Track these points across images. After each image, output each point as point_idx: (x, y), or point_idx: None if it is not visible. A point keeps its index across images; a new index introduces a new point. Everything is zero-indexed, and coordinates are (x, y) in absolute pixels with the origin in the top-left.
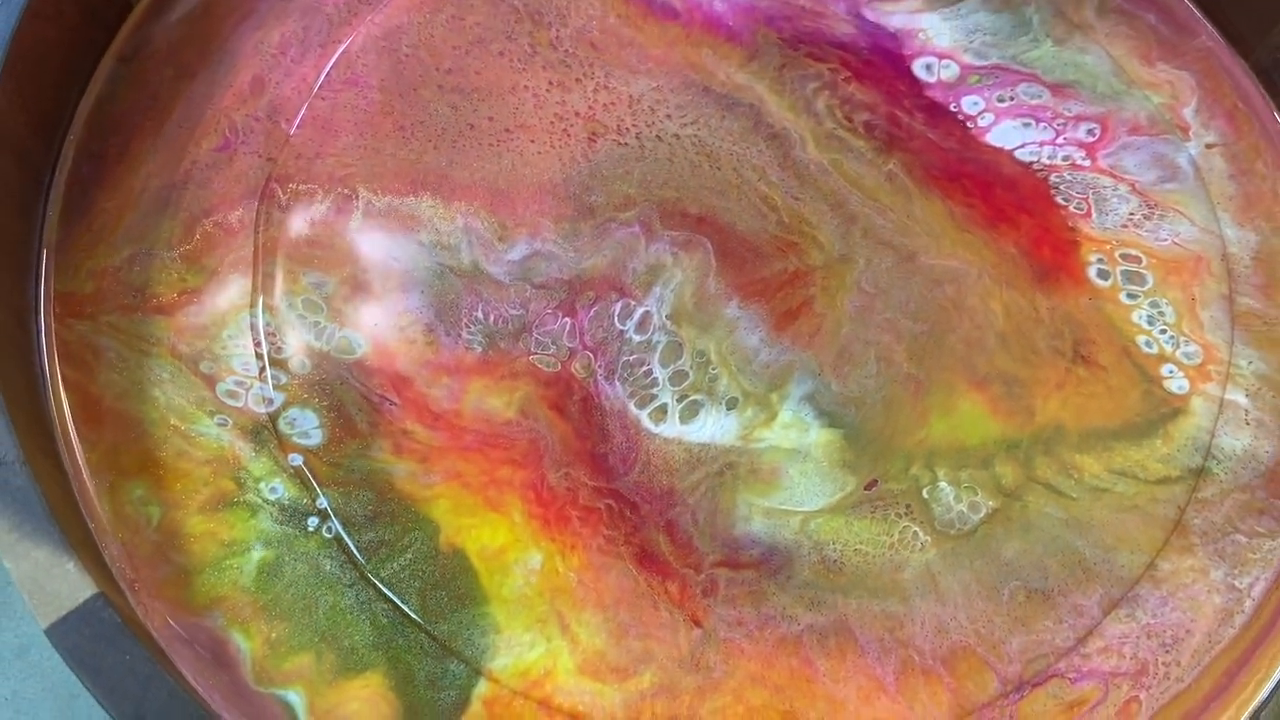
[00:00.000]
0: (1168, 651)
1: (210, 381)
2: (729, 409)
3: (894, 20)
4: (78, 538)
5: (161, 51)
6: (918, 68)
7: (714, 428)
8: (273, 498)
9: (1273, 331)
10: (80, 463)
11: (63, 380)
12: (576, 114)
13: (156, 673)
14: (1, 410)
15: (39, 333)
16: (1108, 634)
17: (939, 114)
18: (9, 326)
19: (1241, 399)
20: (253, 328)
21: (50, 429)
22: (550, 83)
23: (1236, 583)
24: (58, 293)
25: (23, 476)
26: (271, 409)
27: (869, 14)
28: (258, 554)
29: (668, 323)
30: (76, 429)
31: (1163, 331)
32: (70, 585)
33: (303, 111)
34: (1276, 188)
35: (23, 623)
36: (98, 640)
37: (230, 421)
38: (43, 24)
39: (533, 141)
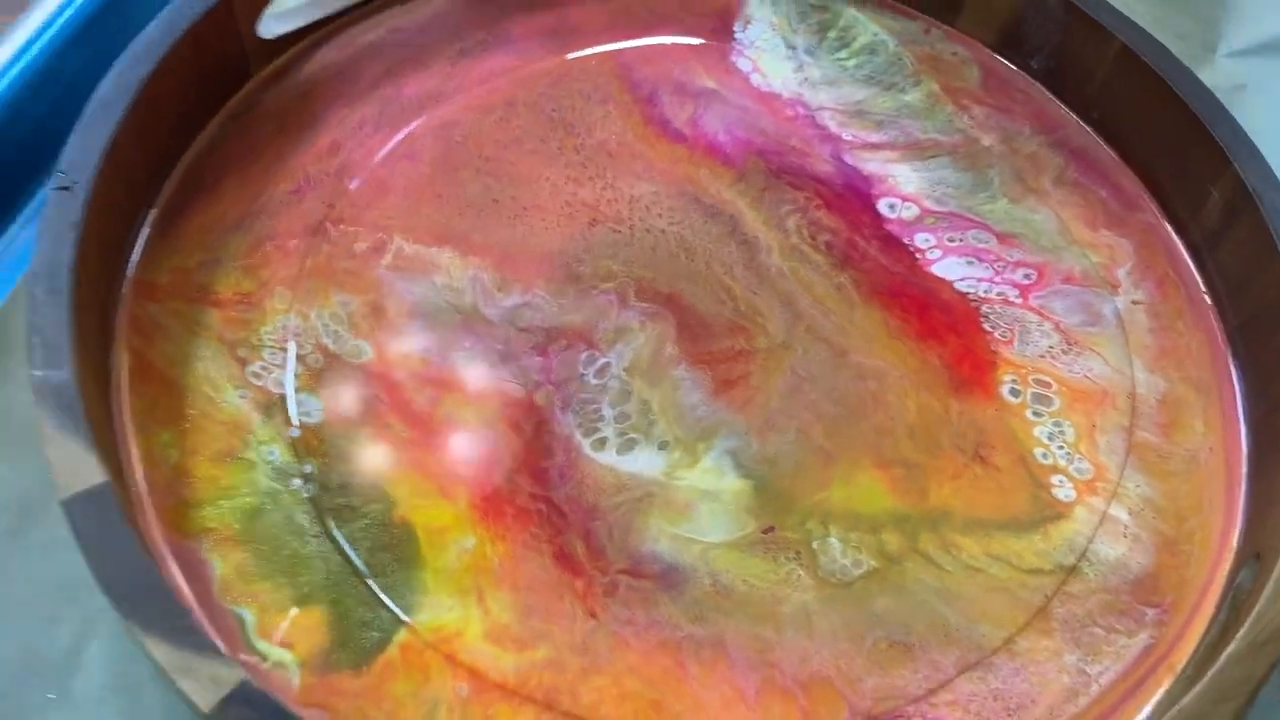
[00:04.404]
0: (1010, 715)
1: (242, 363)
2: (660, 449)
3: (869, 165)
4: (111, 464)
5: (267, 113)
6: (882, 205)
7: (644, 462)
8: (269, 459)
9: (1166, 464)
10: (125, 409)
11: (127, 345)
12: (583, 203)
13: (147, 562)
14: (69, 336)
15: (118, 307)
16: (958, 690)
17: (893, 244)
18: (98, 301)
19: (1124, 515)
20: (284, 328)
21: (108, 378)
22: (567, 177)
23: (1087, 669)
24: (140, 280)
25: (72, 388)
26: (285, 390)
27: (848, 158)
28: (247, 500)
29: (623, 374)
30: (130, 383)
31: (1060, 447)
32: (88, 469)
33: (364, 173)
34: (1191, 345)
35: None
36: (100, 517)
37: (250, 395)
38: (169, 79)
39: (542, 220)
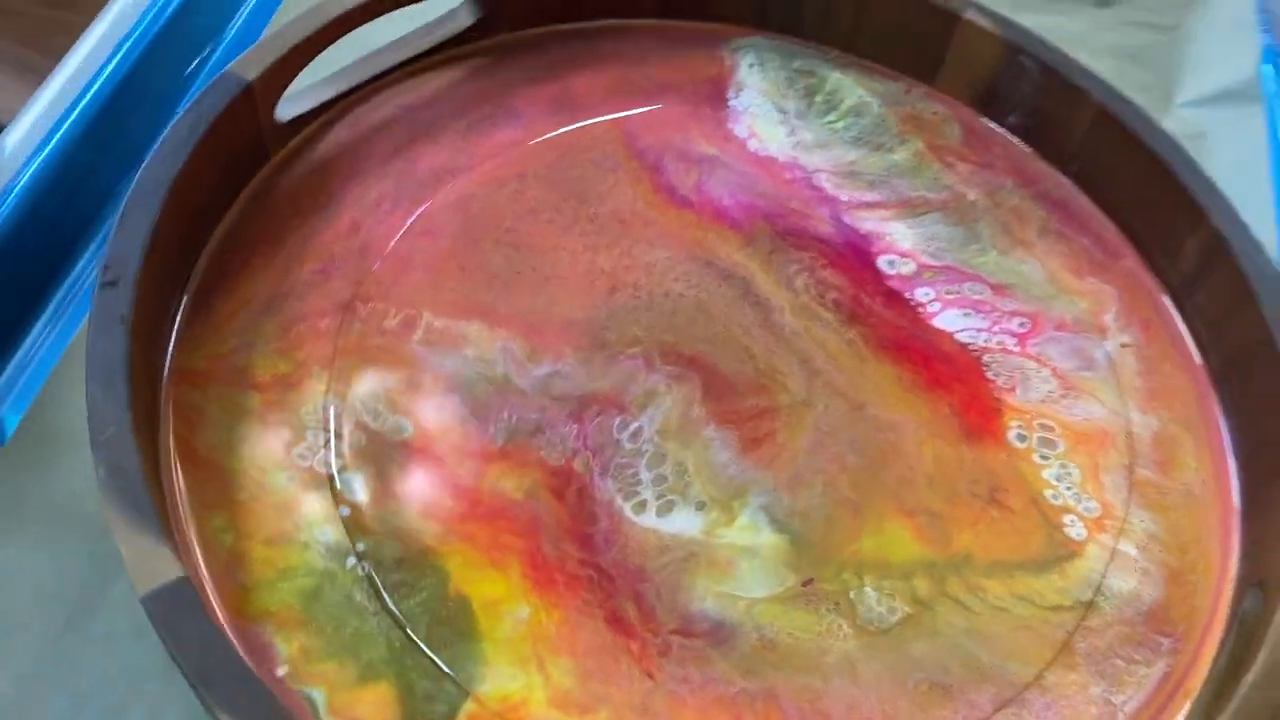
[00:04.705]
0: None
1: (286, 446)
2: (698, 509)
3: (866, 224)
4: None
5: (285, 194)
6: (881, 262)
7: (683, 523)
8: (322, 539)
9: (1165, 499)
10: (178, 495)
11: (174, 432)
12: (602, 271)
13: (224, 643)
14: (130, 431)
15: (160, 396)
16: None
17: (895, 299)
18: (145, 392)
19: (1132, 550)
20: (324, 408)
21: (158, 466)
22: (584, 246)
23: (1113, 699)
24: (179, 367)
25: (140, 485)
26: (331, 471)
27: (846, 218)
28: (305, 581)
29: (656, 437)
30: (179, 469)
31: (1068, 488)
32: (164, 565)
33: (387, 251)
34: (1178, 385)
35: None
36: (181, 611)
37: (297, 477)
38: (203, 163)
39: (564, 289)
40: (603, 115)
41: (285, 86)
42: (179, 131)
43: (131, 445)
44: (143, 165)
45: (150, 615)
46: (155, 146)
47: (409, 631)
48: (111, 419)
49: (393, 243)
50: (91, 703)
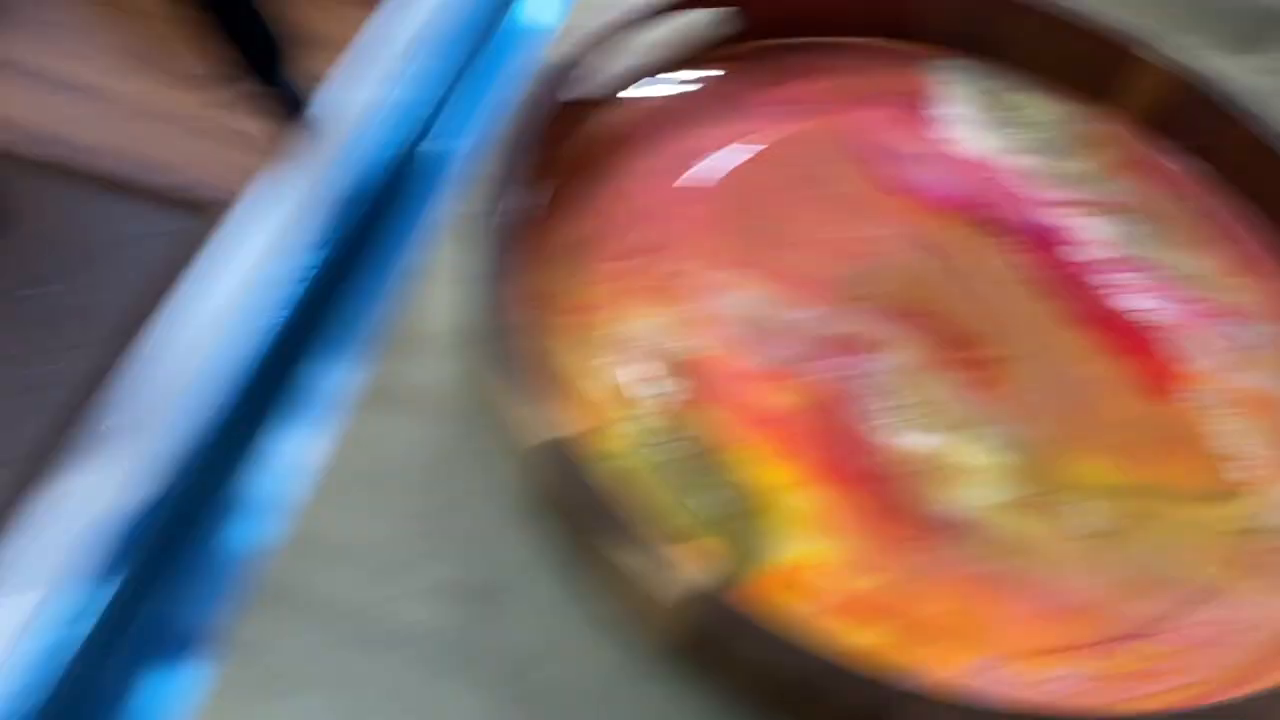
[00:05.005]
0: (1242, 635)
1: (594, 359)
2: (936, 433)
3: (1052, 218)
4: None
5: (572, 164)
6: (1068, 250)
7: (926, 442)
8: (632, 432)
9: None
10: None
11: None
12: (839, 241)
13: (594, 486)
14: (511, 327)
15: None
16: (1190, 616)
17: (1082, 281)
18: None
19: None
20: (623, 333)
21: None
22: (819, 221)
23: (1273, 602)
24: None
25: (523, 368)
26: (633, 378)
27: (1035, 212)
28: (620, 463)
29: (896, 374)
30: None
31: (1234, 440)
32: (549, 424)
33: (661, 214)
34: None
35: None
36: (566, 459)
37: (604, 384)
38: (526, 135)
39: (809, 253)
40: (825, 116)
41: (577, 72)
42: (524, 104)
43: (514, 336)
44: (503, 131)
45: (540, 463)
46: (508, 113)
47: (716, 506)
48: (499, 314)
49: (666, 207)
50: (453, 544)
